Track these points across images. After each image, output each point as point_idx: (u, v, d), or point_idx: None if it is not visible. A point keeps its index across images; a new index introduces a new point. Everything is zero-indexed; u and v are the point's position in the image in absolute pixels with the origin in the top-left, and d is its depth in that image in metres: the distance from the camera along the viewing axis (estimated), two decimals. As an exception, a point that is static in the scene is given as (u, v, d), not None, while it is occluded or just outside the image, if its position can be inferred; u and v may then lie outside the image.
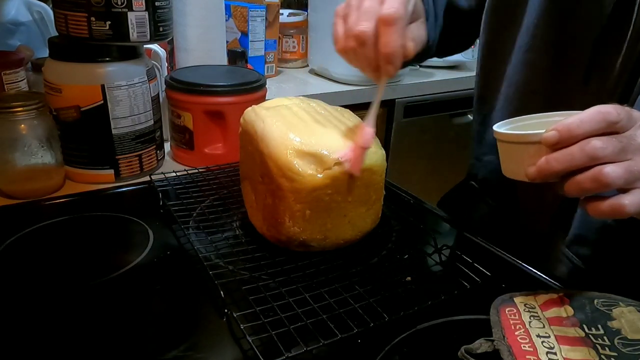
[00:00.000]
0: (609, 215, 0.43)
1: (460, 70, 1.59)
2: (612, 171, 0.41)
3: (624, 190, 0.42)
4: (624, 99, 0.55)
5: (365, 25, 0.49)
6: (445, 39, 0.76)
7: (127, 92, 0.76)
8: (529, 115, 0.52)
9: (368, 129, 0.54)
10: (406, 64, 0.65)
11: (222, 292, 0.50)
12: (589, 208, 0.44)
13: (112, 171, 0.80)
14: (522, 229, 0.69)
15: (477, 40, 0.76)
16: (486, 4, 0.69)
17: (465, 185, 0.82)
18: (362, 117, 0.61)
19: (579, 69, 0.59)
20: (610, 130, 0.42)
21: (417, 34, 0.58)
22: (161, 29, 0.77)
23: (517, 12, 0.65)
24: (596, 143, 0.42)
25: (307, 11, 1.51)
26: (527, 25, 0.64)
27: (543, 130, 0.44)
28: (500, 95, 0.69)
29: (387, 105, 1.45)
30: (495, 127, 0.49)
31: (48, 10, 1.20)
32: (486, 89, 0.73)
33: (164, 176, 0.76)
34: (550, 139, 0.43)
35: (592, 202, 0.44)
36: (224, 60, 1.12)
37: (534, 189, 0.63)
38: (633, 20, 0.54)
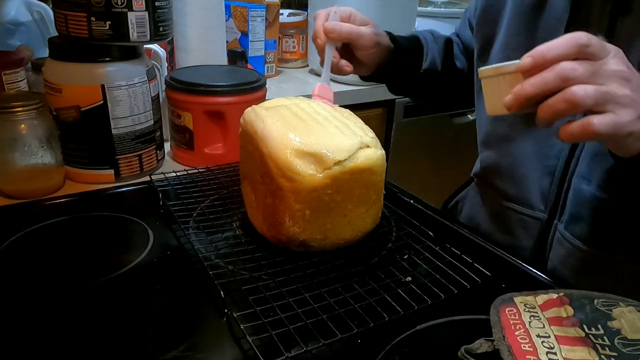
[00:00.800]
0: (579, 136, 0.44)
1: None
2: (581, 89, 0.43)
3: (594, 113, 0.43)
4: None
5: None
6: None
7: (127, 92, 0.76)
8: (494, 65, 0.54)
9: (319, 84, 0.67)
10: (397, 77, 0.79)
11: (222, 292, 0.50)
12: (561, 133, 0.45)
13: (112, 171, 0.80)
14: (521, 218, 0.71)
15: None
16: (475, 21, 0.77)
17: (469, 184, 0.85)
18: (362, 117, 0.61)
19: None
20: (582, 55, 0.44)
21: (343, 23, 0.69)
22: (161, 29, 0.77)
23: (497, 22, 0.72)
24: (567, 64, 0.43)
25: (307, 11, 1.51)
26: (504, 30, 0.70)
27: (518, 61, 0.46)
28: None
29: (387, 105, 1.45)
30: (478, 69, 0.52)
31: (48, 10, 1.20)
32: (478, 92, 0.76)
33: (164, 176, 0.76)
34: (525, 65, 0.45)
35: (563, 127, 0.45)
36: (224, 60, 1.12)
37: (530, 178, 0.68)
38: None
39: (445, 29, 0.79)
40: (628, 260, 0.62)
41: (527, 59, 0.45)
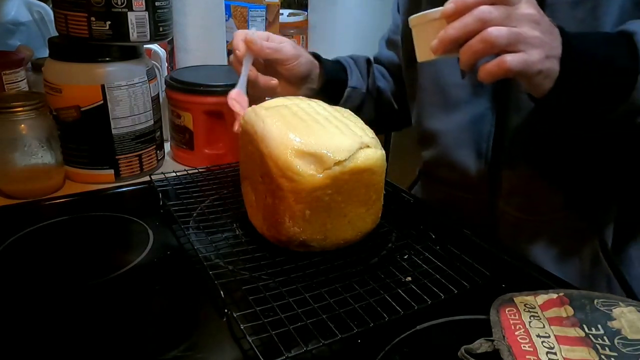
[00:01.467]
0: (495, 73, 0.48)
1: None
2: (495, 30, 0.47)
3: (508, 52, 0.48)
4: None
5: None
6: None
7: (127, 92, 0.76)
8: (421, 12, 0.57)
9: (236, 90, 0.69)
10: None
11: (222, 292, 0.50)
12: (480, 73, 0.49)
13: (112, 171, 0.80)
14: (467, 202, 0.76)
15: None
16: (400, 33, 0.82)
17: (419, 179, 0.92)
18: (362, 117, 0.61)
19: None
20: (498, 1, 0.48)
21: (261, 40, 0.70)
22: (161, 29, 0.77)
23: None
24: (485, 8, 0.48)
25: (307, 11, 1.51)
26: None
27: (442, 7, 0.50)
28: (423, 91, 0.79)
29: (387, 105, 1.44)
30: (409, 18, 0.55)
31: (48, 10, 1.20)
32: (413, 98, 0.83)
33: (164, 176, 0.76)
34: (448, 10, 0.49)
35: (482, 67, 0.49)
36: (224, 60, 1.12)
37: (468, 166, 0.73)
38: None
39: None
40: (565, 218, 0.69)
41: (450, 5, 0.49)
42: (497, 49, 0.48)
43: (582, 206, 0.67)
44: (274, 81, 0.72)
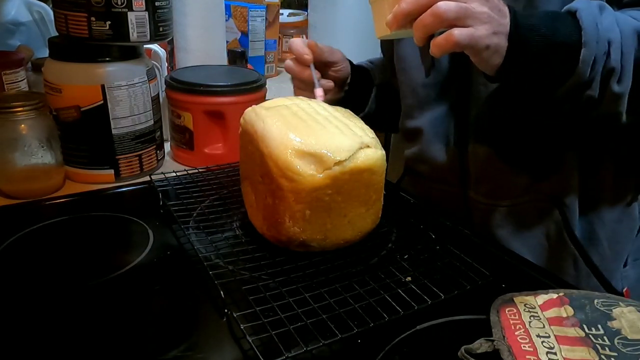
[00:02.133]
0: (443, 46, 0.50)
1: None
2: (444, 4, 0.49)
3: (456, 27, 0.50)
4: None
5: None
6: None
7: (127, 92, 0.76)
8: None
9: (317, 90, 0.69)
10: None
11: (222, 292, 0.50)
12: (431, 48, 0.51)
13: (112, 171, 0.80)
14: (445, 194, 0.78)
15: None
16: None
17: (404, 175, 0.92)
18: (362, 117, 0.61)
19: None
20: None
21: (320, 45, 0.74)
22: (161, 29, 0.77)
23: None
24: None
25: (307, 11, 1.51)
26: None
27: None
28: (405, 99, 0.82)
29: (387, 105, 1.44)
30: None
31: (48, 10, 1.20)
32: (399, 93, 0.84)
33: (164, 176, 0.76)
34: None
35: (432, 41, 0.51)
36: (224, 60, 1.12)
37: (443, 160, 0.76)
38: None
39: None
40: (531, 201, 0.70)
41: None
42: (446, 23, 0.50)
43: (545, 187, 0.69)
44: (331, 83, 0.75)
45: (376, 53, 0.94)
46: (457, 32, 0.49)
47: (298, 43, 0.73)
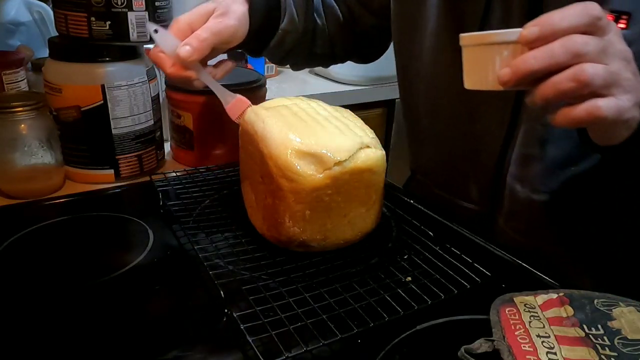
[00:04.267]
0: (585, 120, 0.41)
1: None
2: (592, 68, 0.39)
3: (597, 96, 0.40)
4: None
5: None
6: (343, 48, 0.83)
7: (127, 92, 0.76)
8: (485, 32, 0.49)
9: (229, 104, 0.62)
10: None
11: (222, 292, 0.50)
12: (559, 116, 0.42)
13: (112, 171, 0.80)
14: (467, 211, 0.73)
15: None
16: (391, 12, 0.75)
17: (412, 178, 0.86)
18: (362, 117, 0.61)
19: None
20: (592, 28, 0.40)
21: (200, 38, 0.59)
22: (161, 29, 0.77)
23: (419, 19, 0.70)
24: (579, 38, 0.39)
25: (307, 11, 1.51)
26: (431, 29, 0.68)
27: (519, 29, 0.41)
28: (420, 93, 0.74)
29: (387, 105, 1.45)
30: (461, 34, 0.47)
31: (48, 10, 1.20)
32: (407, 91, 0.77)
33: (164, 176, 0.76)
34: (530, 34, 0.40)
35: (564, 109, 0.41)
36: (224, 60, 1.12)
37: (470, 172, 0.69)
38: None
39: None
40: (565, 252, 0.64)
41: (533, 29, 0.40)
42: (588, 90, 0.40)
43: (584, 245, 0.62)
44: (228, 65, 0.66)
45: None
46: (604, 105, 0.40)
47: (165, 50, 0.59)
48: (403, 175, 1.50)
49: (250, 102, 0.63)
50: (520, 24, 0.42)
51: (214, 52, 0.63)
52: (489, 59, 0.44)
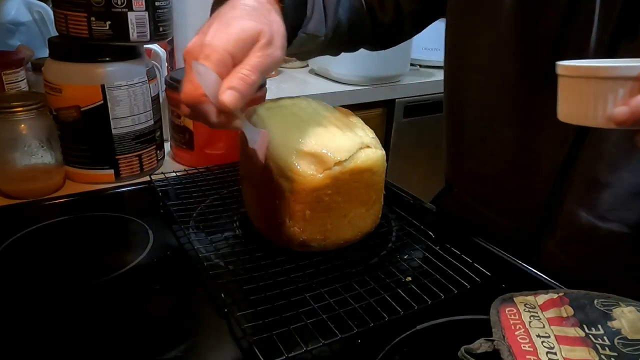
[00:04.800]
0: None
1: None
2: None
3: None
4: None
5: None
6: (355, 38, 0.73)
7: (127, 92, 0.76)
8: (589, 60, 0.45)
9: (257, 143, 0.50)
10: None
11: (222, 292, 0.50)
12: None
13: (112, 171, 0.80)
14: (508, 229, 0.67)
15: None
16: (447, 8, 0.68)
17: (448, 191, 0.80)
18: (362, 118, 0.61)
19: (541, 76, 0.57)
20: None
21: (246, 82, 0.44)
22: (161, 29, 0.77)
23: (483, 16, 0.63)
24: None
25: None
26: (494, 30, 0.62)
27: (637, 64, 0.38)
28: (471, 100, 0.68)
29: (387, 105, 1.45)
30: (561, 63, 0.43)
31: (48, 10, 1.20)
32: (455, 92, 0.71)
33: (164, 176, 0.76)
34: None
35: None
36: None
37: (520, 189, 0.64)
38: (596, 14, 0.52)
39: (443, 27, 0.78)
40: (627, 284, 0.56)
41: None
42: None
43: None
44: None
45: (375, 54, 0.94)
46: None
47: (207, 91, 0.42)
48: (403, 175, 1.50)
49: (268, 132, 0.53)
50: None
51: None
52: (598, 94, 0.40)
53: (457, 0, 0.67)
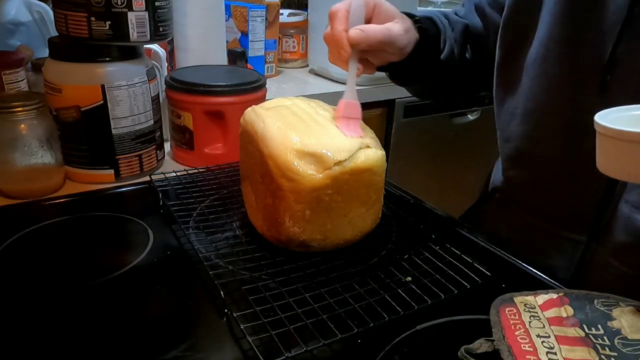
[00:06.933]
0: None
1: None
2: None
3: None
4: None
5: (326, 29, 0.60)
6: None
7: (127, 92, 0.76)
8: (628, 106, 0.45)
9: (344, 101, 0.58)
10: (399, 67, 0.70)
11: (222, 292, 0.50)
12: None
13: (112, 171, 0.80)
14: (553, 237, 0.66)
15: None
16: (501, 22, 0.68)
17: (490, 198, 0.78)
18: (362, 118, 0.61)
19: (595, 79, 0.57)
20: None
21: (372, 28, 0.58)
22: (161, 29, 0.77)
23: (530, 27, 0.64)
24: None
25: (307, 11, 1.51)
26: (540, 39, 0.62)
27: None
28: (518, 110, 0.67)
29: (387, 105, 1.45)
30: (599, 119, 0.42)
31: (48, 10, 1.20)
32: (504, 101, 0.70)
33: (164, 176, 0.76)
34: None
35: None
36: (224, 60, 1.12)
37: (568, 198, 0.62)
38: None
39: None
40: None
41: None
42: None
43: None
44: (360, 71, 0.62)
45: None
46: None
47: (338, 21, 0.57)
48: (403, 175, 1.50)
49: (361, 115, 0.59)
50: None
51: (375, 54, 0.62)
52: (633, 155, 0.40)
53: (507, 13, 0.67)
